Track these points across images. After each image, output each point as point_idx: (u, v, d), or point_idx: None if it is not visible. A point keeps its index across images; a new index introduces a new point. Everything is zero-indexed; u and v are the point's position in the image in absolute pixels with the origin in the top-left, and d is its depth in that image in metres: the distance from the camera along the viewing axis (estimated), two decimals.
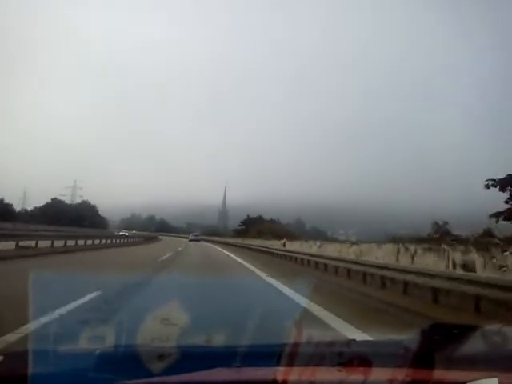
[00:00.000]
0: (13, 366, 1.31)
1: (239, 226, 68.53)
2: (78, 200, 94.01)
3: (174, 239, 60.92)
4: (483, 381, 1.25)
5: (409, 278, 9.78)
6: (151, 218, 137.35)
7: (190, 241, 53.47)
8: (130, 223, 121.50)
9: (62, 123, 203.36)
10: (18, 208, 73.15)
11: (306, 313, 6.28)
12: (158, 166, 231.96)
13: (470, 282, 7.81)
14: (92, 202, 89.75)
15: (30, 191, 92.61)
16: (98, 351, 1.39)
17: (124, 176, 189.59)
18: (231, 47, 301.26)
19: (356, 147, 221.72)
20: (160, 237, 66.25)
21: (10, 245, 16.23)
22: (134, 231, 70.35)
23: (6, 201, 62.47)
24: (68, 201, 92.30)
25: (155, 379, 1.26)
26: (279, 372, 1.30)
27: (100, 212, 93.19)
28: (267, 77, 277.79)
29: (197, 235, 59.96)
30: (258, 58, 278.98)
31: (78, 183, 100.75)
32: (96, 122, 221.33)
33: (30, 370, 1.24)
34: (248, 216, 67.70)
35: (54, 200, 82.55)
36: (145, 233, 72.45)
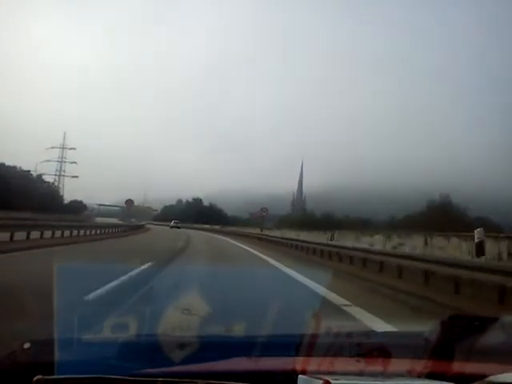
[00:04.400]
0: (39, 353, 1.34)
1: None
2: (73, 171, 61.17)
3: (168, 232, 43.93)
4: (504, 374, 1.23)
5: None
6: (196, 203, 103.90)
7: (171, 227, 59.74)
8: (174, 210, 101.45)
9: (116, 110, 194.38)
10: None
11: None
12: (214, 150, 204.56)
13: None
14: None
15: None
16: (120, 340, 1.42)
17: (178, 163, 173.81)
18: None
19: None
20: (147, 225, 54.38)
21: None
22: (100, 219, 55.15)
23: None
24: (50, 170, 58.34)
25: (176, 368, 1.28)
26: (298, 362, 1.30)
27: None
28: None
29: (177, 222, 66.83)
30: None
31: (69, 142, 65.52)
32: (152, 113, 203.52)
33: (56, 357, 1.28)
34: None
35: None
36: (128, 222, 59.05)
